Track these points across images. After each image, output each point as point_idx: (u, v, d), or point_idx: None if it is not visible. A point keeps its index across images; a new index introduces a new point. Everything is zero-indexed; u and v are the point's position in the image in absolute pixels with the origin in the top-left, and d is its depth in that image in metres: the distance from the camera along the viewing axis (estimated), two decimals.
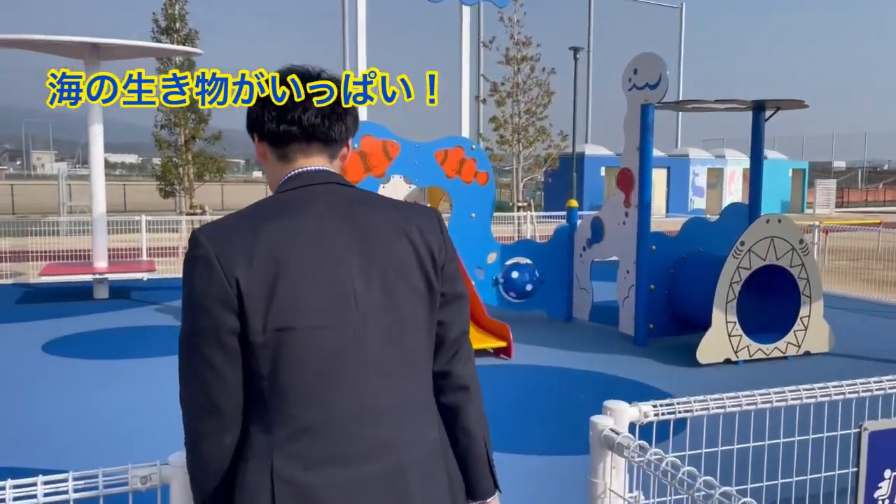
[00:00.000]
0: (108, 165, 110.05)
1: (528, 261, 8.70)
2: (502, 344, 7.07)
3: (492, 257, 8.56)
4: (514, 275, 8.45)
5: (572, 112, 23.18)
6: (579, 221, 8.98)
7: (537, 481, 4.27)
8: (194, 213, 14.30)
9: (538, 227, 16.76)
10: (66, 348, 7.14)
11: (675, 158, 31.98)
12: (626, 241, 7.88)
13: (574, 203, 9.01)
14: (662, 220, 22.45)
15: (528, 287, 8.49)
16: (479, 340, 7.13)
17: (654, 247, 7.69)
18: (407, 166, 8.03)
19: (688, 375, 6.53)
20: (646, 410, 2.24)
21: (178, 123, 14.69)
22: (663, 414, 2.19)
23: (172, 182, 15.00)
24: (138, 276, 10.27)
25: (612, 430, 2.07)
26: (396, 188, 9.28)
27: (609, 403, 2.23)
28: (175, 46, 13.13)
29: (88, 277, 9.99)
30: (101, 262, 10.09)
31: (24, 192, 33.20)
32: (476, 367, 1.64)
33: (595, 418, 2.14)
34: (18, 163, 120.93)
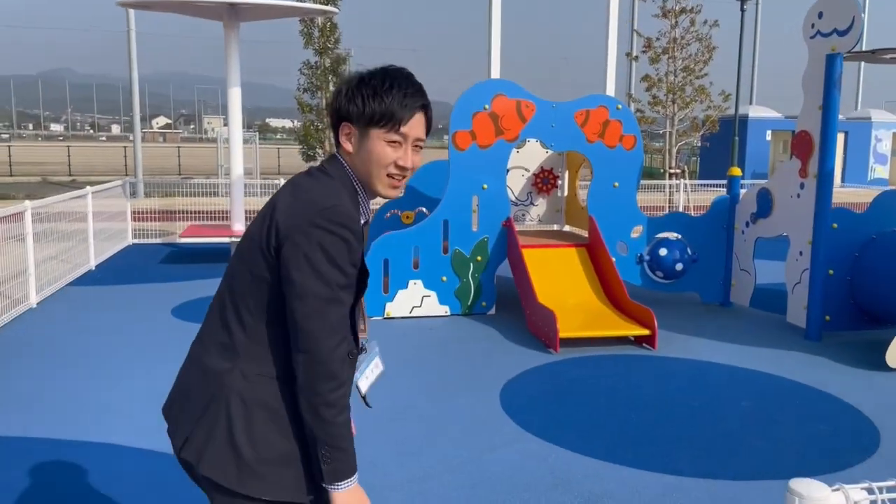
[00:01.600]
0: (269, 130, 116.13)
1: (679, 236, 7.71)
2: (645, 332, 6.22)
3: (637, 231, 7.65)
4: (663, 252, 7.50)
5: (736, 69, 21.06)
6: (742, 192, 7.83)
7: None
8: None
9: (692, 196, 15.35)
10: (195, 313, 7.11)
11: (854, 122, 28.56)
12: (801, 216, 6.71)
13: (737, 171, 7.86)
14: (838, 190, 20.02)
15: (679, 266, 7.51)
16: (618, 326, 6.32)
17: (835, 224, 6.48)
18: (543, 129, 7.27)
19: (876, 382, 5.39)
20: (857, 500, 1.46)
21: (320, 86, 14.67)
22: None
23: (314, 146, 15.05)
24: None
25: None
26: (531, 153, 8.55)
27: (798, 486, 1.47)
28: (313, 6, 13.00)
29: (226, 240, 10.10)
30: (238, 225, 10.16)
31: (191, 155, 35.46)
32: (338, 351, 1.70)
33: None
34: (192, 127, 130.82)
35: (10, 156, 30.15)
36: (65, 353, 5.78)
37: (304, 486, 1.76)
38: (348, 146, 1.80)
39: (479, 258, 7.23)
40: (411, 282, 7.10)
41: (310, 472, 1.76)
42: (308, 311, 1.65)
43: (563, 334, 6.01)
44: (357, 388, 1.96)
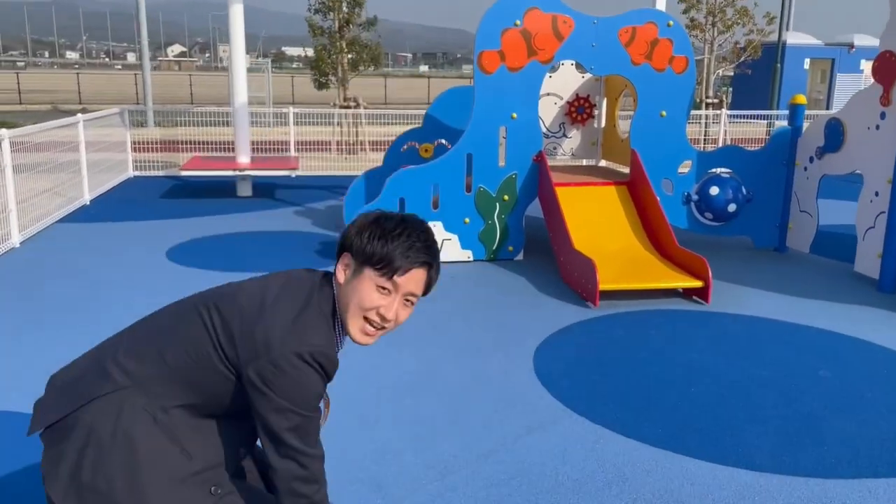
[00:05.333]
0: (285, 58, 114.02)
1: (732, 173, 6.84)
2: (696, 284, 5.46)
3: (685, 167, 6.80)
4: (714, 190, 6.65)
5: None
6: (805, 124, 6.91)
7: None
8: (347, 107, 13.38)
9: (729, 129, 14.31)
10: (189, 255, 6.44)
11: None
12: (879, 151, 5.82)
13: (801, 99, 6.91)
14: None
15: (731, 207, 6.68)
16: (667, 277, 5.56)
17: None
18: (582, 49, 6.34)
19: None
20: None
21: (332, 7, 13.59)
22: None
23: (326, 72, 14.08)
24: (283, 173, 9.53)
25: None
26: (564, 78, 7.61)
27: None
28: None
29: (230, 173, 9.36)
30: (243, 158, 9.40)
31: (205, 84, 34.41)
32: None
33: None
34: (208, 55, 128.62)
35: (18, 83, 29.34)
36: (41, 301, 5.14)
37: None
38: (341, 276, 1.81)
39: (506, 197, 6.44)
40: (430, 223, 6.33)
41: None
42: (289, 426, 1.73)
43: (603, 286, 5.27)
44: None
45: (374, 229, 1.77)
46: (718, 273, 5.84)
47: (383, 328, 1.81)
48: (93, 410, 1.70)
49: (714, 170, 6.82)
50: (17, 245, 6.60)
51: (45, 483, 1.70)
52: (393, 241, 1.75)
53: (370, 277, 1.76)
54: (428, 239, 1.80)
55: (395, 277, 1.76)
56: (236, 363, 1.72)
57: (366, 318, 1.79)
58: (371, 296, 1.77)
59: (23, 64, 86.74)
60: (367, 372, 4.03)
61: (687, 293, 5.61)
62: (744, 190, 6.73)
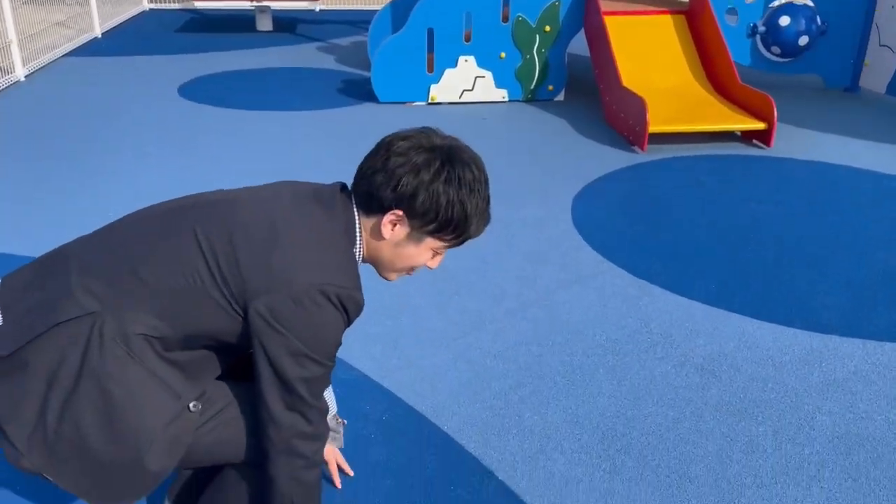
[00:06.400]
0: None
1: (807, 0, 6.00)
2: (759, 125, 4.87)
3: None
4: (784, 21, 5.86)
5: None
6: None
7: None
8: None
9: None
10: (204, 92, 5.98)
11: None
12: None
13: None
14: None
15: (803, 40, 5.90)
16: (725, 118, 4.98)
17: None
18: None
19: None
20: None
21: None
22: None
23: None
24: (306, 6, 8.81)
25: None
26: None
27: None
28: None
29: (247, 5, 8.66)
30: None
31: None
32: None
33: None
34: None
35: None
36: (42, 139, 4.80)
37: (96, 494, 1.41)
38: (388, 233, 1.50)
39: (547, 28, 5.75)
40: (461, 58, 5.73)
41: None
42: (303, 376, 1.45)
43: (653, 128, 4.72)
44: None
45: (438, 183, 1.44)
46: (782, 115, 5.22)
47: None
48: (53, 340, 1.36)
49: None
50: (22, 79, 6.20)
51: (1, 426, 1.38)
52: (467, 204, 1.46)
53: (431, 244, 1.52)
54: (488, 190, 1.54)
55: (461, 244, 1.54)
56: (239, 293, 1.39)
57: (407, 272, 1.60)
58: (425, 257, 1.55)
59: None
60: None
61: (746, 136, 5.04)
62: (818, 20, 5.92)
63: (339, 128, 5.14)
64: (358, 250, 1.53)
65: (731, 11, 5.92)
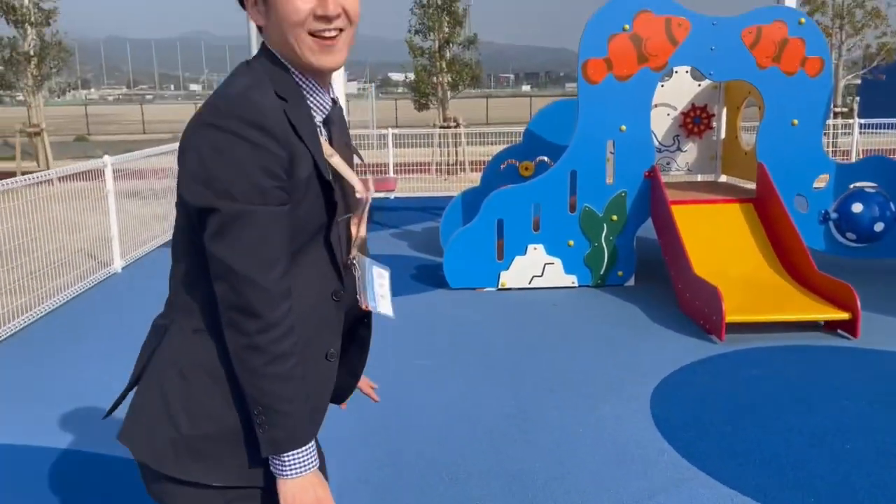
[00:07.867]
0: (391, 84, 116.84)
1: (878, 187, 6.01)
2: (843, 315, 4.71)
3: (821, 181, 6.02)
4: (857, 207, 5.84)
5: None
6: None
7: None
8: (447, 127, 13.15)
9: (860, 139, 13.04)
10: None
11: None
12: None
13: None
14: None
15: (879, 226, 5.84)
16: (805, 307, 4.84)
17: None
18: (699, 53, 5.74)
19: None
20: None
21: (432, 27, 13.44)
22: None
23: (426, 93, 13.92)
24: (383, 195, 9.36)
25: None
26: (678, 87, 6.97)
27: None
28: None
29: None
30: None
31: None
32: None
33: None
34: None
35: (142, 114, 31.19)
36: (132, 328, 5.05)
37: (259, 466, 1.36)
38: (259, 19, 1.37)
39: (614, 217, 5.89)
40: (531, 246, 5.87)
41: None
42: (211, 232, 1.27)
43: (730, 318, 4.62)
44: (384, 315, 1.58)
45: None
46: (866, 302, 5.05)
47: (339, 29, 1.35)
48: (156, 359, 1.43)
49: (856, 184, 6.01)
50: (119, 271, 6.64)
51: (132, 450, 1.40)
52: None
53: None
54: None
55: None
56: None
57: (310, 33, 1.33)
58: (294, 4, 1.31)
59: (151, 97, 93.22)
60: (460, 412, 3.60)
61: (829, 326, 4.86)
62: (892, 206, 5.88)
63: (413, 314, 5.23)
64: (264, 65, 1.37)
65: (801, 199, 5.95)
